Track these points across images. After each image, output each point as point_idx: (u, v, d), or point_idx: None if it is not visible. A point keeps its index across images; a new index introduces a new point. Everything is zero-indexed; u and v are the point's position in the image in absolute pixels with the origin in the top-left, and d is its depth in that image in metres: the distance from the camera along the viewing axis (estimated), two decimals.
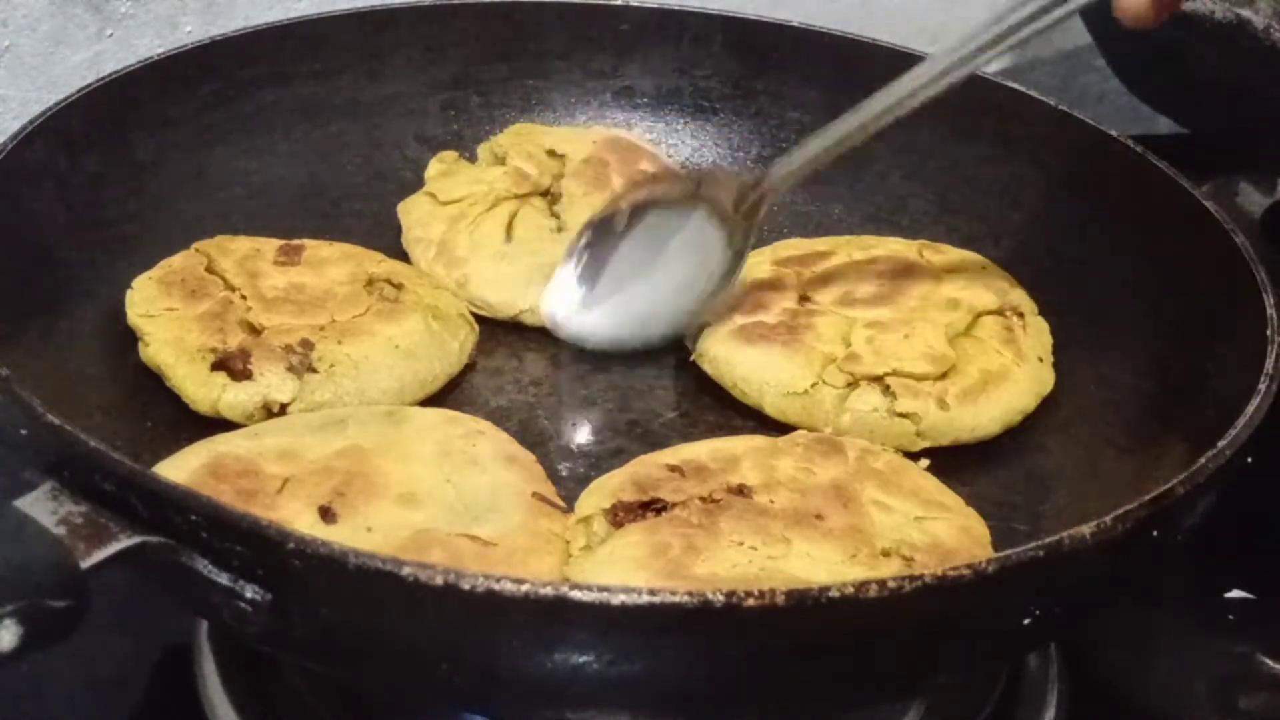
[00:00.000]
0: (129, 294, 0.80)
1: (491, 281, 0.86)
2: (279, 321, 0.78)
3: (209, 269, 0.82)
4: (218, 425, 0.74)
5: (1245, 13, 0.88)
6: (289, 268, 0.83)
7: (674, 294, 0.82)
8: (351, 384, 0.77)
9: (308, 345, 0.77)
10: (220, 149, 0.91)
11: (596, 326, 0.83)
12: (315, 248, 0.85)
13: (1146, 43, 0.90)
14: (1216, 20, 0.88)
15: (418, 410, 0.75)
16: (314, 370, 0.76)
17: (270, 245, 0.85)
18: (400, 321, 0.80)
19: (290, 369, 0.76)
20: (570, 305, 0.83)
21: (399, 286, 0.83)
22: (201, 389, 0.75)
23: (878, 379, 0.79)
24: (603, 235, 0.83)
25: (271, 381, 0.75)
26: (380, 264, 0.85)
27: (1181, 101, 0.99)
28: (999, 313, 0.85)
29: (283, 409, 0.75)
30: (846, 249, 0.89)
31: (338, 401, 0.76)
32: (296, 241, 0.85)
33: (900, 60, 0.95)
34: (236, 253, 0.83)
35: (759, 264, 0.88)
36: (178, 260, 0.83)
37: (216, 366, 0.76)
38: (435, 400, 0.79)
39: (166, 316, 0.78)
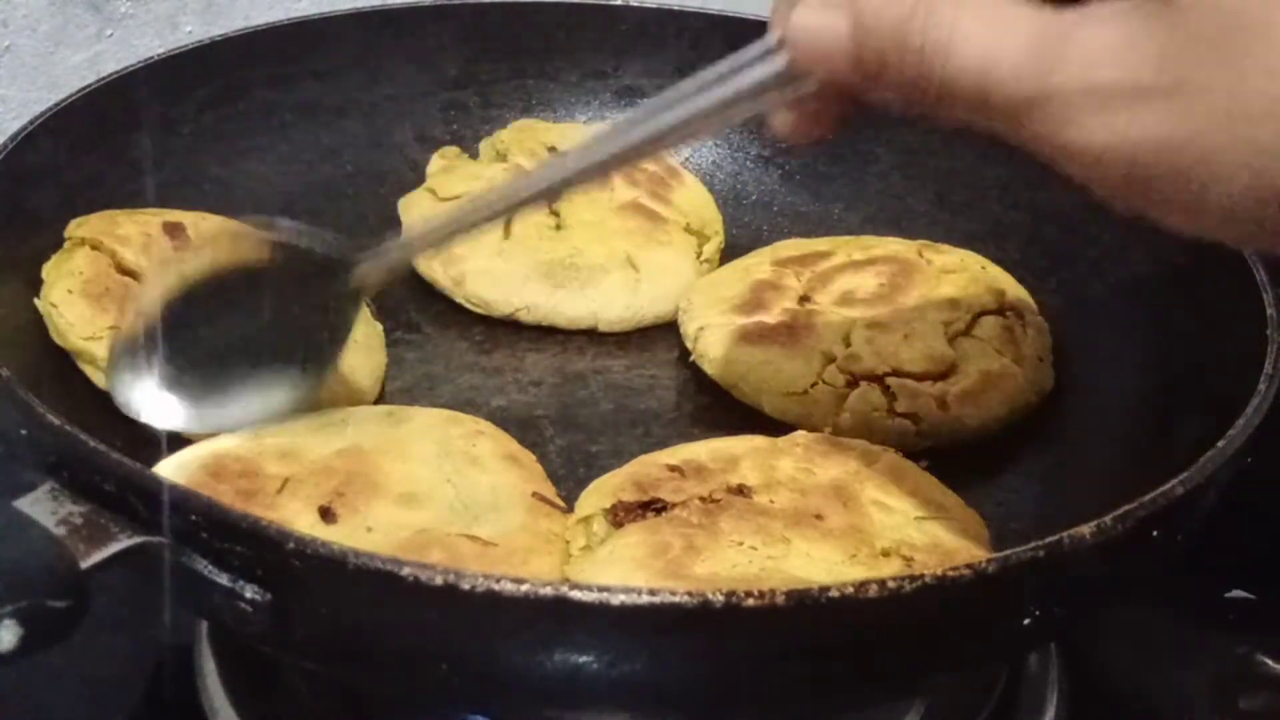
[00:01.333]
0: (52, 312, 0.75)
1: (489, 279, 0.86)
2: None
3: (118, 268, 0.77)
4: None
5: None
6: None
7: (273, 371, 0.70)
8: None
9: None
10: (221, 149, 0.91)
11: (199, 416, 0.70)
12: (194, 223, 0.81)
13: None
14: None
15: (418, 410, 0.75)
16: None
17: (151, 224, 0.80)
18: None
19: None
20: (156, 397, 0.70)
21: None
22: None
23: (877, 379, 0.79)
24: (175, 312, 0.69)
25: None
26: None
27: None
28: (999, 313, 0.84)
29: None
30: (846, 249, 0.89)
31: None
32: (172, 218, 0.81)
33: None
34: (131, 241, 0.78)
35: (759, 264, 0.88)
36: (81, 263, 0.77)
37: None
38: (435, 398, 0.79)
39: (111, 336, 0.73)
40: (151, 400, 0.70)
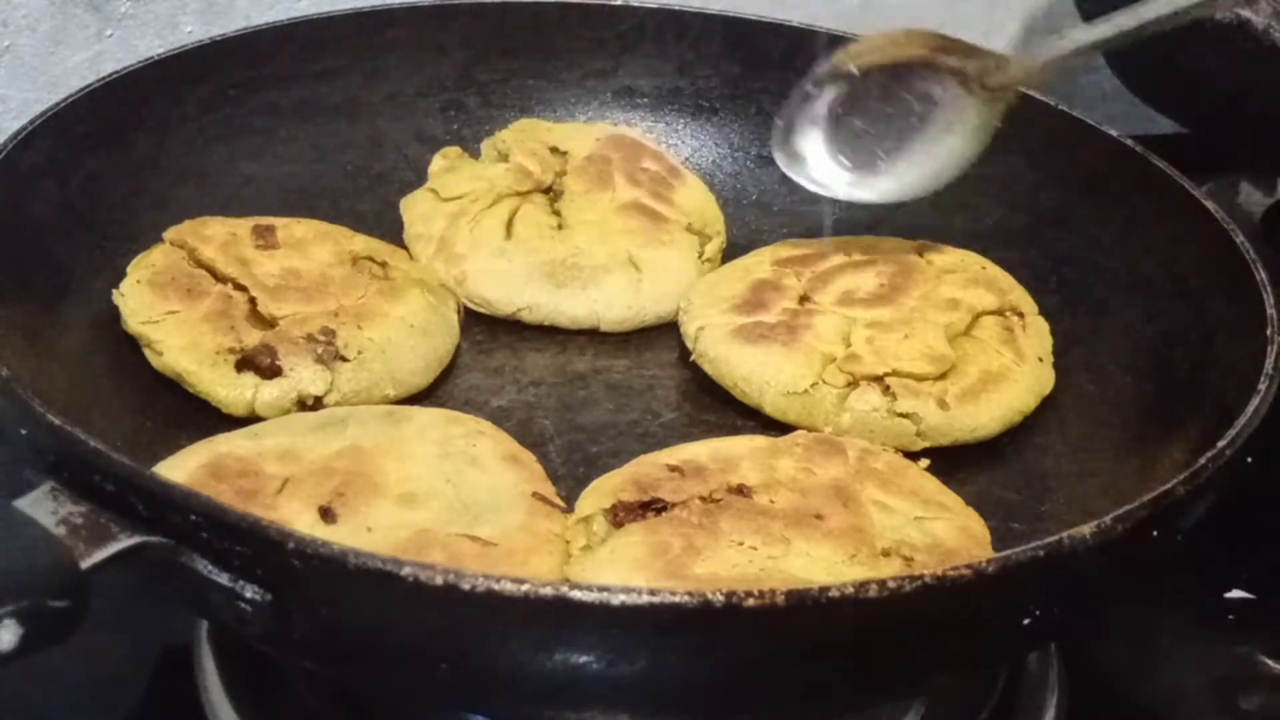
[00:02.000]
0: (121, 301, 0.79)
1: (490, 279, 0.86)
2: (290, 311, 0.78)
3: (194, 262, 0.81)
4: (218, 424, 0.74)
5: (1246, 13, 0.88)
6: (273, 251, 0.82)
7: (927, 160, 0.80)
8: (382, 368, 0.77)
9: (329, 333, 0.77)
10: (221, 149, 0.91)
11: (876, 189, 0.81)
12: (286, 226, 0.84)
13: (1146, 42, 0.91)
14: (1217, 20, 0.88)
15: (418, 410, 0.75)
16: (344, 359, 0.76)
17: (241, 226, 0.83)
18: (404, 299, 0.81)
19: (319, 360, 0.75)
20: (833, 169, 0.82)
21: (384, 264, 0.83)
22: (233, 391, 0.75)
23: (877, 379, 0.79)
24: (844, 96, 0.81)
25: (304, 375, 0.75)
26: (354, 240, 0.85)
27: (1182, 101, 0.99)
28: (999, 313, 0.85)
29: (317, 402, 0.75)
30: (846, 249, 0.89)
31: (372, 387, 0.76)
32: (265, 221, 0.84)
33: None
34: (214, 240, 0.82)
35: (759, 264, 0.88)
36: (157, 257, 0.81)
37: (242, 366, 0.75)
38: (435, 398, 0.79)
39: (171, 321, 0.77)
40: (817, 168, 0.81)
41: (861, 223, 0.95)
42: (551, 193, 0.92)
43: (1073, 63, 0.77)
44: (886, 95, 0.80)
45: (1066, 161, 0.90)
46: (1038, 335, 0.84)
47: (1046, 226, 0.90)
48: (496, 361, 0.84)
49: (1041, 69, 0.78)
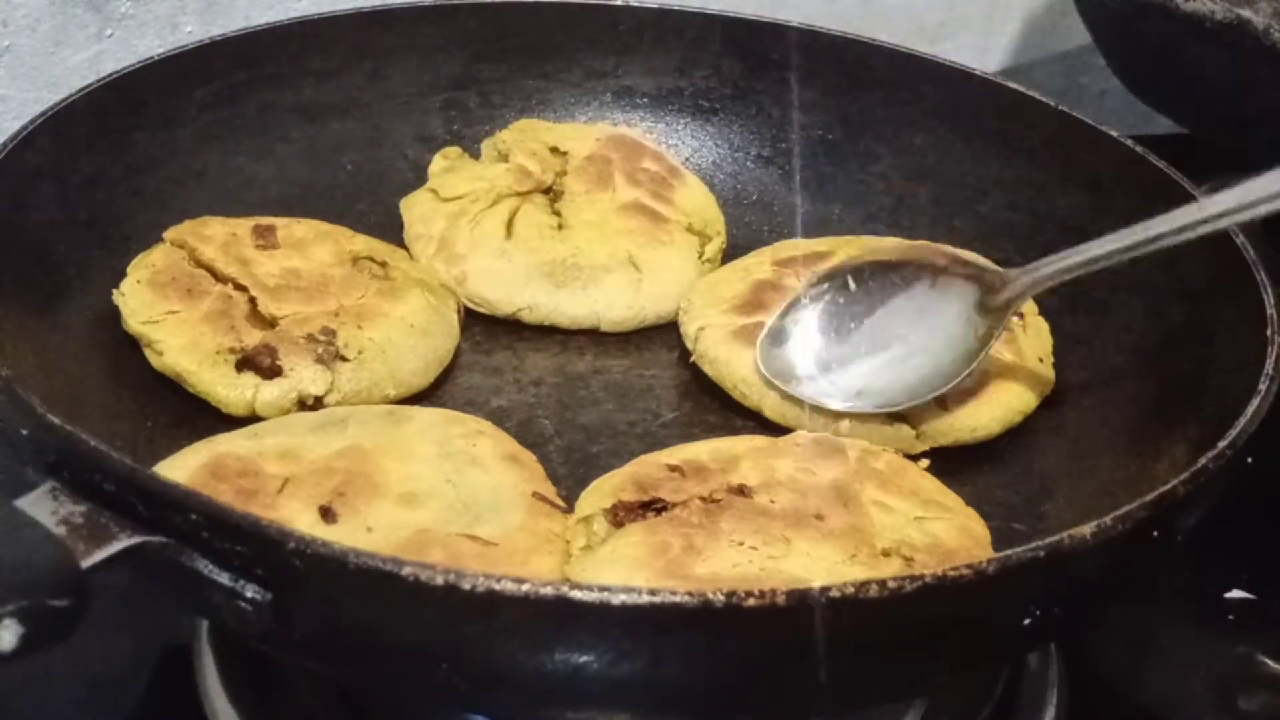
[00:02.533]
0: (121, 301, 0.79)
1: (490, 278, 0.86)
2: (290, 311, 0.78)
3: (194, 262, 0.81)
4: (218, 424, 0.74)
5: (1245, 13, 0.88)
6: (273, 251, 0.82)
7: (918, 365, 0.78)
8: (383, 368, 0.77)
9: (330, 333, 0.77)
10: (221, 149, 0.91)
11: (844, 388, 0.78)
12: (286, 226, 0.85)
13: (1146, 43, 0.91)
14: (1217, 20, 0.88)
15: (418, 410, 0.75)
16: (344, 359, 0.76)
17: (241, 226, 0.84)
18: (404, 299, 0.81)
19: (319, 360, 0.76)
20: (810, 363, 0.79)
21: (384, 264, 0.84)
22: (234, 391, 0.75)
23: None
24: (834, 291, 0.80)
25: (304, 375, 0.75)
26: (354, 240, 0.85)
27: (1181, 101, 0.99)
28: None
29: (318, 401, 0.75)
30: (846, 249, 0.89)
31: (372, 387, 0.76)
32: (265, 221, 0.85)
33: (900, 60, 0.95)
34: (214, 240, 0.82)
35: (760, 264, 0.88)
36: (157, 257, 0.81)
37: (242, 366, 0.76)
38: (435, 398, 0.79)
39: (171, 321, 0.78)
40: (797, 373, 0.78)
41: (860, 223, 0.96)
42: (552, 193, 0.92)
43: (1073, 276, 0.77)
44: (877, 305, 0.79)
45: (1066, 161, 0.90)
46: (1038, 335, 0.84)
47: (1046, 226, 0.90)
48: (497, 361, 0.84)
49: (1039, 287, 0.78)
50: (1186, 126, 1.05)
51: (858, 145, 0.97)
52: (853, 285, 0.79)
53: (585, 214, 0.90)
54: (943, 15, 1.22)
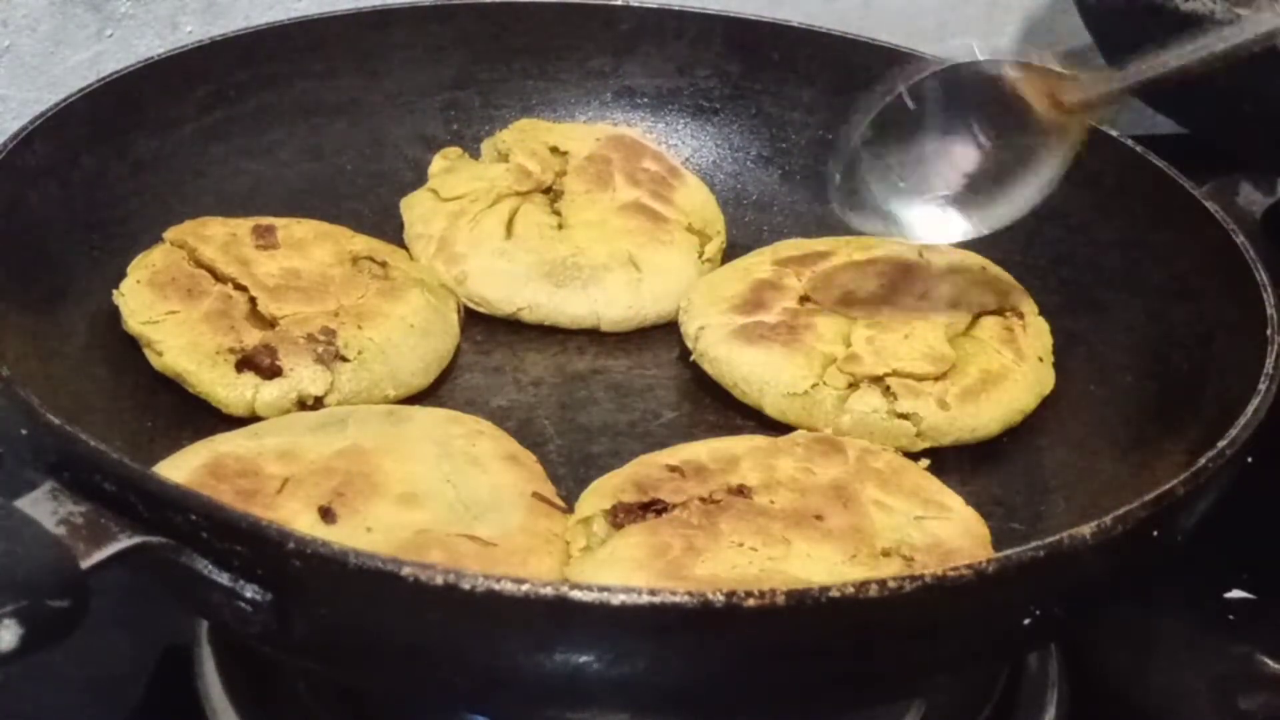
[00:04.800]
0: (121, 301, 0.79)
1: (490, 278, 0.86)
2: (290, 311, 0.78)
3: (194, 262, 0.81)
4: (218, 424, 0.74)
5: (1245, 13, 0.87)
6: (273, 251, 0.82)
7: (996, 184, 0.75)
8: (383, 368, 0.77)
9: (330, 333, 0.77)
10: (220, 149, 0.91)
11: (949, 228, 0.76)
12: (286, 226, 0.85)
13: (1146, 42, 0.92)
14: (1216, 20, 0.88)
15: (418, 410, 0.75)
16: (344, 359, 0.76)
17: (241, 226, 0.84)
18: (404, 299, 0.81)
19: (319, 360, 0.76)
20: (903, 208, 0.76)
21: (384, 264, 0.84)
22: (233, 392, 0.75)
23: (878, 379, 0.79)
24: (904, 132, 0.76)
25: (304, 375, 0.75)
26: (354, 240, 0.86)
27: (1182, 101, 1.00)
28: (999, 313, 0.85)
29: (317, 401, 0.75)
30: (846, 249, 0.89)
31: (372, 387, 0.77)
32: (265, 221, 0.85)
33: (900, 59, 0.95)
34: (214, 240, 0.82)
35: (760, 264, 0.88)
36: (157, 257, 0.81)
37: (242, 366, 0.76)
38: (435, 398, 0.80)
39: (171, 321, 0.78)
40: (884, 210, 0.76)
41: (848, 233, 0.95)
42: (552, 193, 0.92)
43: (1152, 84, 0.74)
44: (951, 127, 0.76)
45: None
46: (1038, 335, 0.85)
47: (1047, 226, 0.90)
48: (496, 361, 0.84)
49: (1115, 88, 0.75)
50: (1187, 126, 1.05)
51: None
52: (911, 104, 0.75)
53: (585, 214, 0.90)
54: (943, 15, 1.23)
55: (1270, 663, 0.78)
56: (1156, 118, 1.09)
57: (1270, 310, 0.72)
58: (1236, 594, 0.81)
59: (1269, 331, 0.71)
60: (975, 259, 0.89)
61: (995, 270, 0.88)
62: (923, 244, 0.90)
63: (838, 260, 0.88)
